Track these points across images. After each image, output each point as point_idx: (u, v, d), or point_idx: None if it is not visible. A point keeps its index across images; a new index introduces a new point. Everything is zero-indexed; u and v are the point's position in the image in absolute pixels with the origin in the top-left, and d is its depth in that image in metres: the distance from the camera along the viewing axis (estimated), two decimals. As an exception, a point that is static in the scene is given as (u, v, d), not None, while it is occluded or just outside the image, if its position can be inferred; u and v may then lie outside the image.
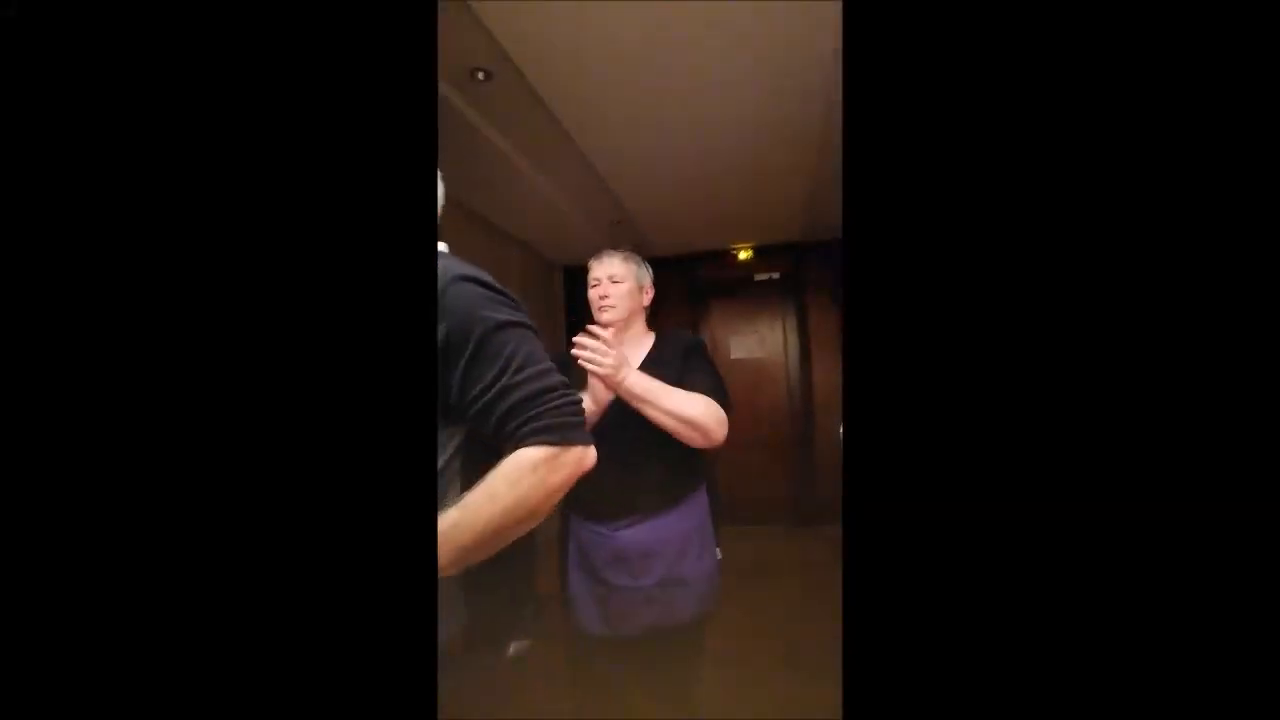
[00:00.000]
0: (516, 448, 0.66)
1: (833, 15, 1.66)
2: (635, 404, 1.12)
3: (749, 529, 4.03)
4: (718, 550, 1.27)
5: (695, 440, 1.13)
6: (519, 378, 0.67)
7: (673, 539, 1.17)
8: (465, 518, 0.64)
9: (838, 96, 2.01)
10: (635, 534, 1.16)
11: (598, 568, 1.17)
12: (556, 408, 0.68)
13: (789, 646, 2.28)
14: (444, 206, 0.85)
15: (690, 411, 1.12)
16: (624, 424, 1.15)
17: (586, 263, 1.35)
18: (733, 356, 4.31)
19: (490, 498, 0.65)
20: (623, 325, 1.27)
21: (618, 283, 1.26)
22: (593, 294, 1.29)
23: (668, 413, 1.11)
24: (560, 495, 0.69)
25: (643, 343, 1.30)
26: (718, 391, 1.18)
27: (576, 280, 4.12)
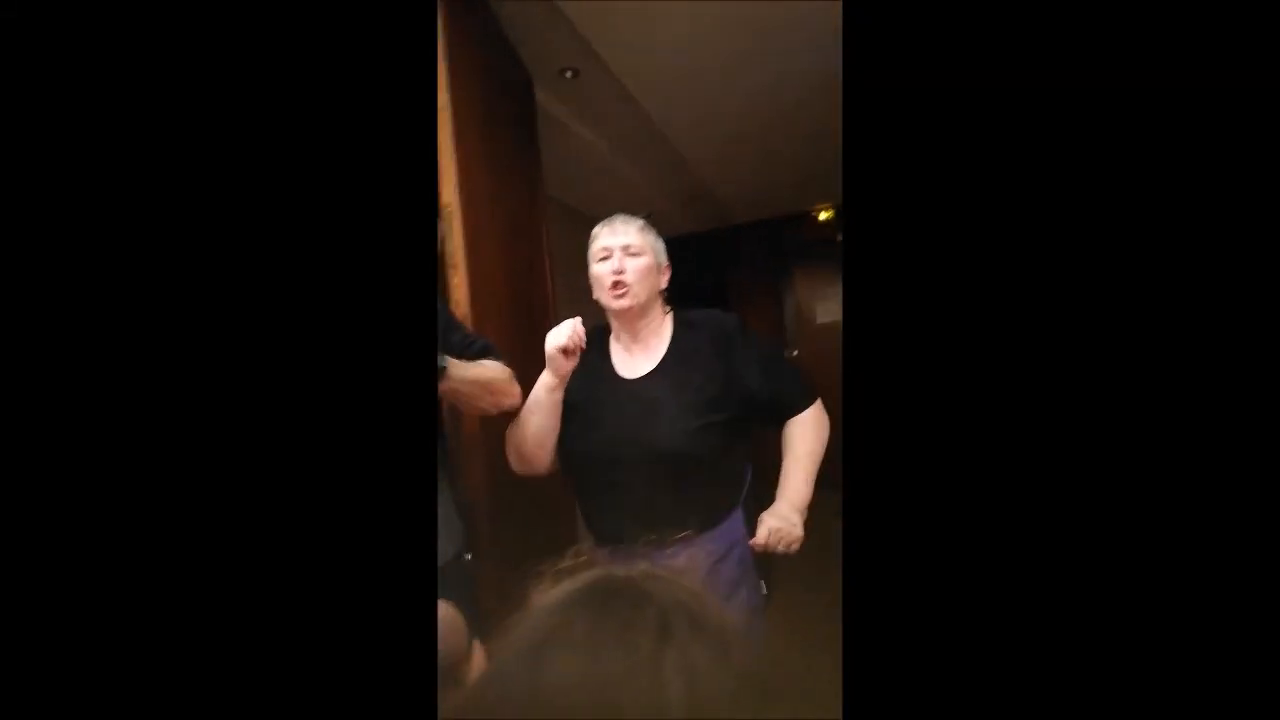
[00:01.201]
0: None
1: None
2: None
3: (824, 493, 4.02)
4: (763, 584, 0.99)
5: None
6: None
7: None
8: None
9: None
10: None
11: None
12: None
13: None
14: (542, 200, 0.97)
15: (818, 446, 0.94)
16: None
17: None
18: (819, 321, 4.23)
19: None
20: (640, 312, 0.98)
21: (635, 255, 0.97)
22: (601, 269, 0.97)
23: (815, 465, 0.94)
24: None
25: (661, 334, 1.00)
26: (804, 383, 0.95)
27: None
